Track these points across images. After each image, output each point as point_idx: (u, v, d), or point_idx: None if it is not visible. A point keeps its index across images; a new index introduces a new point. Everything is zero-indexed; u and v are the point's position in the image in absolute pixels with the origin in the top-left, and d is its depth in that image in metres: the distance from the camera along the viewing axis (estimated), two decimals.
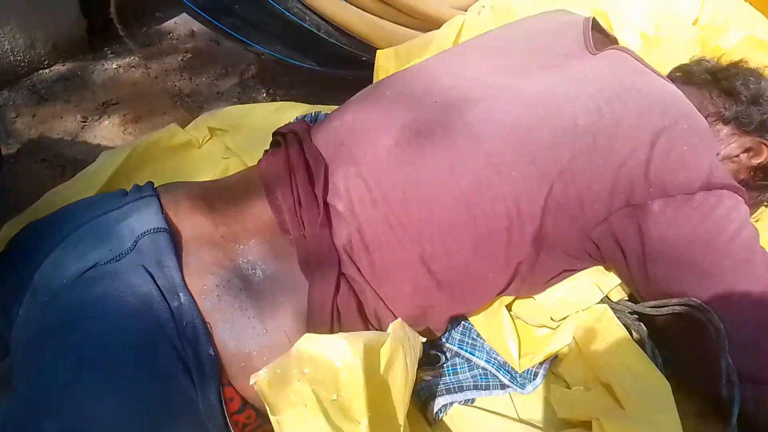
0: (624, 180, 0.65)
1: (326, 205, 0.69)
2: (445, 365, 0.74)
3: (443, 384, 0.71)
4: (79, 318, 0.61)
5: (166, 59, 1.43)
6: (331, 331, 0.66)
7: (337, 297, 0.66)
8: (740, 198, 0.67)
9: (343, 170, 0.71)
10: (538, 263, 0.70)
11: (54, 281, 0.65)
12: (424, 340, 0.64)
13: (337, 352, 0.53)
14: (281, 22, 0.99)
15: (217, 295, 0.64)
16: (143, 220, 0.68)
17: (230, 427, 0.62)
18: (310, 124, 0.95)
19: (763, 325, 0.63)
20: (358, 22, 1.04)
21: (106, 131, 1.24)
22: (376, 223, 0.67)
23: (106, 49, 1.45)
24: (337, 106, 1.03)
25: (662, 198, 0.64)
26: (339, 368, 0.52)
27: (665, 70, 0.93)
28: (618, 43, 0.87)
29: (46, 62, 1.38)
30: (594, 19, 0.81)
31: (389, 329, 0.59)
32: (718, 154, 0.79)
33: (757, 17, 1.15)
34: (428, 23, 1.14)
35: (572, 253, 0.70)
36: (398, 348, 0.58)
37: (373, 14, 1.07)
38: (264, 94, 1.33)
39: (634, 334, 0.71)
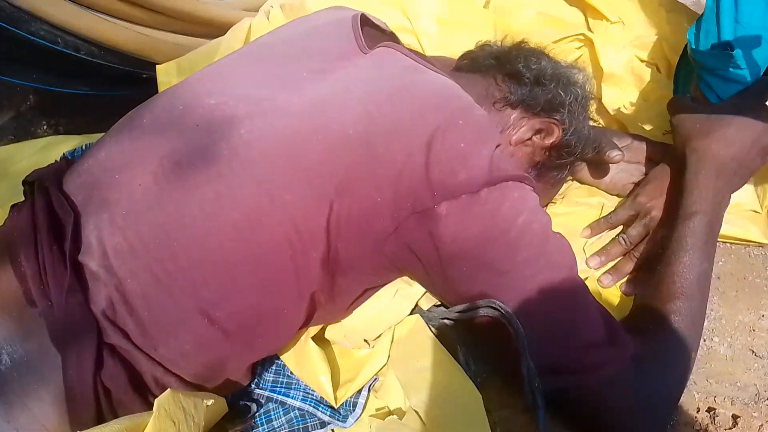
0: (405, 187, 0.60)
1: (78, 265, 0.59)
2: (256, 414, 0.67)
3: None
4: None
5: None
6: (99, 413, 0.56)
7: (100, 373, 0.56)
8: (527, 186, 0.65)
9: (95, 219, 0.60)
10: (336, 288, 0.64)
11: None
12: (212, 401, 0.56)
13: None
14: (28, 47, 0.85)
15: None
16: None
17: None
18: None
19: (565, 315, 0.62)
20: (125, 37, 0.92)
21: None
22: (138, 278, 0.58)
23: None
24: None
25: (447, 200, 0.61)
26: None
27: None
28: (395, 38, 0.83)
29: None
30: (363, 15, 0.76)
31: (154, 406, 0.51)
32: (510, 141, 0.78)
33: None
34: (213, 29, 1.04)
35: (369, 270, 0.65)
36: (168, 427, 0.49)
37: (145, 26, 0.95)
38: (45, 127, 1.16)
39: (446, 341, 0.68)
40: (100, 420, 0.56)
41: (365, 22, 0.76)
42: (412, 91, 0.64)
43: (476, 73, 0.81)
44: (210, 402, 0.56)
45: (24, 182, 0.70)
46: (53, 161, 0.87)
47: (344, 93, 0.63)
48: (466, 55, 0.86)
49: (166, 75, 0.96)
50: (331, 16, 0.76)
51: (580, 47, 1.04)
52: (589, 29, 1.12)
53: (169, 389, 0.52)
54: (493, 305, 0.61)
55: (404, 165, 0.60)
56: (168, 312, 0.59)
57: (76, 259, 0.59)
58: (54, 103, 1.15)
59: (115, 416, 0.57)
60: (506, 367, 0.66)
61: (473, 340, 0.68)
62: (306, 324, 0.66)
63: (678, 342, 0.66)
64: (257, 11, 1.11)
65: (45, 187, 0.65)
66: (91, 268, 0.58)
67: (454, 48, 1.11)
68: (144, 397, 0.59)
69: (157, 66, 0.96)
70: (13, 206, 0.69)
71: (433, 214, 0.61)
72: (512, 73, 0.79)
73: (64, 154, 0.86)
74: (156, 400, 0.51)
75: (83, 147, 0.87)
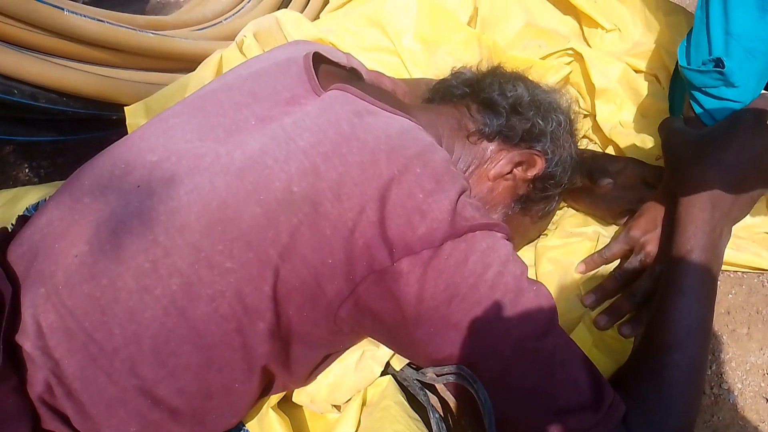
0: (359, 246, 0.55)
1: (15, 345, 0.55)
2: None
3: None
4: None
5: None
6: None
7: None
8: (497, 234, 0.59)
9: (31, 295, 0.57)
10: (292, 357, 0.59)
11: None
12: None
13: None
14: None
15: None
16: None
17: None
18: None
19: (544, 377, 0.56)
20: (83, 81, 0.88)
21: None
22: (75, 358, 0.54)
23: None
24: None
25: (408, 256, 0.55)
26: None
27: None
28: (357, 74, 0.78)
29: None
30: (317, 53, 0.70)
31: None
32: (488, 176, 0.72)
33: (540, 3, 1.10)
34: (183, 63, 1.00)
35: (328, 336, 0.60)
36: None
37: (107, 66, 0.92)
38: (27, 170, 1.14)
39: (419, 405, 0.63)
40: None
41: (321, 59, 0.71)
42: (362, 138, 0.58)
43: (448, 104, 0.76)
44: None
45: None
46: (17, 215, 0.85)
47: (288, 144, 0.58)
48: (439, 84, 0.81)
49: (134, 116, 0.92)
50: (283, 55, 0.71)
51: (570, 62, 0.97)
52: (584, 38, 1.06)
53: None
54: (462, 372, 0.56)
55: (356, 223, 0.55)
56: (108, 393, 0.55)
57: (12, 340, 0.55)
58: (31, 149, 1.13)
59: None
60: None
61: (446, 405, 0.62)
62: (265, 394, 0.62)
63: (674, 401, 0.59)
64: (233, 39, 1.08)
65: None
66: (26, 349, 0.55)
67: (439, 67, 1.05)
68: None
69: (125, 108, 0.92)
70: None
71: (393, 272, 0.55)
72: (487, 103, 0.73)
73: (27, 209, 0.83)
74: None
75: (46, 199, 0.84)
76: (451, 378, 0.57)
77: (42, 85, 0.84)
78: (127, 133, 0.94)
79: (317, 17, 1.42)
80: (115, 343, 0.54)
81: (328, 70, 0.71)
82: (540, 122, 0.73)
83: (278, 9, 1.33)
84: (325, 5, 1.42)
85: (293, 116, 0.62)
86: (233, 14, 1.26)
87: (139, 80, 0.96)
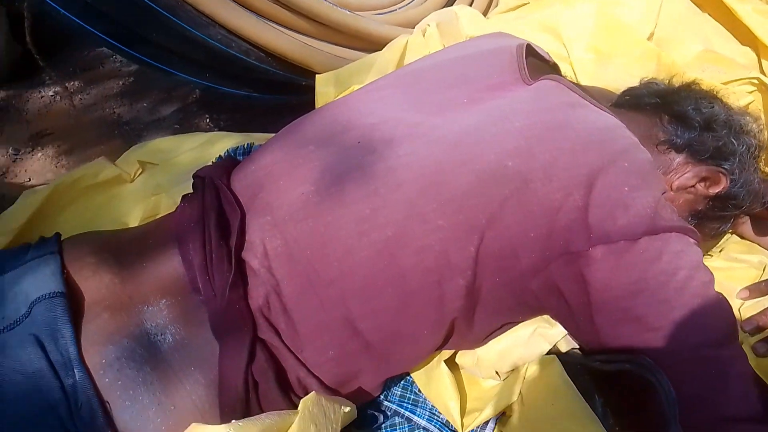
0: (561, 226, 0.59)
1: (241, 261, 0.63)
2: (382, 426, 0.68)
3: None
4: None
5: (106, 84, 1.36)
6: (247, 403, 0.60)
7: (252, 366, 0.60)
8: (691, 240, 0.61)
9: (259, 221, 0.64)
10: (475, 318, 0.64)
11: None
12: (348, 408, 0.58)
13: None
14: (205, 49, 0.92)
15: (118, 369, 0.57)
16: (39, 282, 0.61)
17: None
18: (239, 159, 0.89)
19: (718, 387, 0.58)
20: (291, 47, 0.97)
21: (38, 164, 1.17)
22: (294, 282, 0.61)
23: (44, 75, 1.37)
24: (268, 134, 0.97)
25: (604, 244, 0.59)
26: None
27: (619, 88, 0.88)
28: (558, 69, 0.82)
29: None
30: (529, 45, 0.75)
31: (300, 406, 0.53)
32: (671, 186, 0.74)
33: (717, 29, 1.10)
34: (370, 44, 1.08)
35: (511, 305, 0.64)
36: (309, 428, 0.52)
37: (308, 35, 1.01)
38: (207, 120, 1.26)
39: (582, 388, 0.66)
40: (246, 409, 0.59)
41: (530, 52, 0.76)
42: (574, 127, 0.62)
43: (638, 112, 0.78)
44: (347, 409, 0.58)
45: (194, 176, 0.76)
46: (214, 156, 0.95)
47: (502, 123, 0.63)
48: (628, 92, 0.83)
49: (324, 85, 1.01)
50: (493, 44, 0.76)
51: (752, 91, 0.97)
52: (762, 71, 1.04)
53: (313, 392, 0.55)
54: (643, 362, 0.58)
55: (562, 204, 0.59)
56: (317, 318, 0.61)
57: (240, 256, 0.63)
58: (217, 100, 1.25)
59: (260, 409, 0.60)
60: (648, 428, 0.63)
61: (613, 391, 0.65)
62: (441, 347, 0.67)
63: None
64: (411, 27, 1.14)
65: (215, 185, 0.70)
66: (252, 266, 0.62)
67: (609, 79, 1.07)
68: (287, 394, 0.62)
69: (316, 75, 1.01)
70: (183, 197, 0.75)
71: (586, 257, 0.59)
72: (680, 115, 0.75)
73: (227, 151, 0.93)
74: (302, 400, 0.54)
75: (244, 146, 0.93)
76: (627, 366, 0.60)
77: (255, 43, 0.93)
78: (311, 100, 1.03)
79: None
80: (331, 275, 0.61)
81: (535, 63, 0.76)
82: (732, 142, 0.74)
83: (445, 4, 1.40)
84: (489, 6, 1.48)
85: (504, 99, 0.67)
86: (406, 5, 1.34)
87: (330, 52, 1.04)
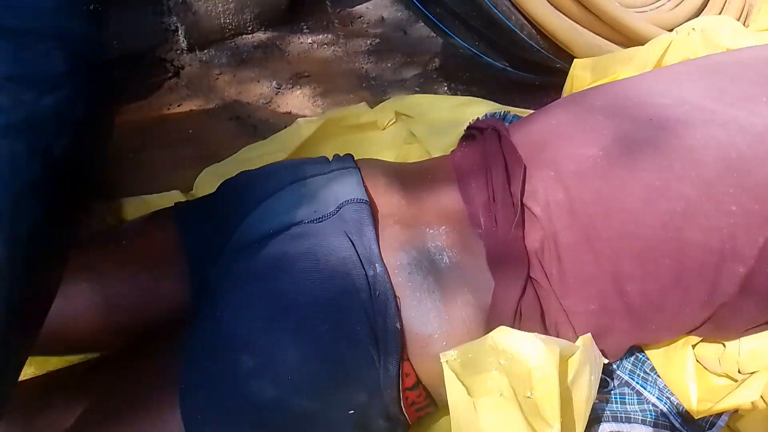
0: None
1: (522, 206, 0.69)
2: (612, 392, 0.72)
3: (609, 411, 0.69)
4: (281, 268, 0.65)
5: (355, 41, 1.50)
6: None
7: (522, 300, 0.66)
8: None
9: (541, 174, 0.70)
10: (742, 309, 0.65)
11: (260, 230, 0.70)
12: (606, 361, 0.63)
13: (532, 351, 0.53)
14: (486, 17, 0.99)
15: (409, 273, 0.66)
16: (346, 189, 0.72)
17: (401, 401, 0.64)
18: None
19: None
20: (560, 26, 1.01)
21: (297, 100, 1.33)
22: (572, 233, 0.66)
23: (303, 24, 1.54)
24: (520, 109, 1.03)
25: None
26: (532, 367, 0.52)
27: None
28: None
29: (250, 28, 1.50)
30: None
31: (578, 342, 0.58)
32: None
33: None
34: (628, 38, 1.10)
35: None
36: (586, 363, 0.57)
37: (574, 21, 1.05)
38: (445, 87, 1.35)
39: None
40: None
41: None
42: None
43: None
44: (605, 361, 0.62)
45: (472, 127, 0.84)
46: (469, 118, 1.02)
47: None
48: None
49: (581, 69, 1.04)
50: None
51: None
52: None
53: (588, 333, 0.60)
54: None
55: None
56: (587, 270, 0.66)
57: (521, 201, 0.70)
58: (454, 68, 1.33)
59: None
60: None
61: None
62: (694, 330, 0.69)
63: None
64: (671, 30, 1.14)
65: (498, 135, 0.77)
66: (534, 212, 0.68)
67: None
68: (544, 333, 0.67)
69: (575, 59, 1.05)
70: (460, 143, 0.83)
71: None
72: None
73: (485, 115, 1.00)
74: (581, 337, 0.59)
75: (500, 113, 1.00)
76: None
77: (533, 18, 0.99)
78: (561, 83, 1.07)
79: None
80: (610, 234, 0.65)
81: None
82: None
83: (698, 10, 1.37)
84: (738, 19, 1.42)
85: None
86: (658, 6, 1.33)
87: (591, 40, 1.08)
